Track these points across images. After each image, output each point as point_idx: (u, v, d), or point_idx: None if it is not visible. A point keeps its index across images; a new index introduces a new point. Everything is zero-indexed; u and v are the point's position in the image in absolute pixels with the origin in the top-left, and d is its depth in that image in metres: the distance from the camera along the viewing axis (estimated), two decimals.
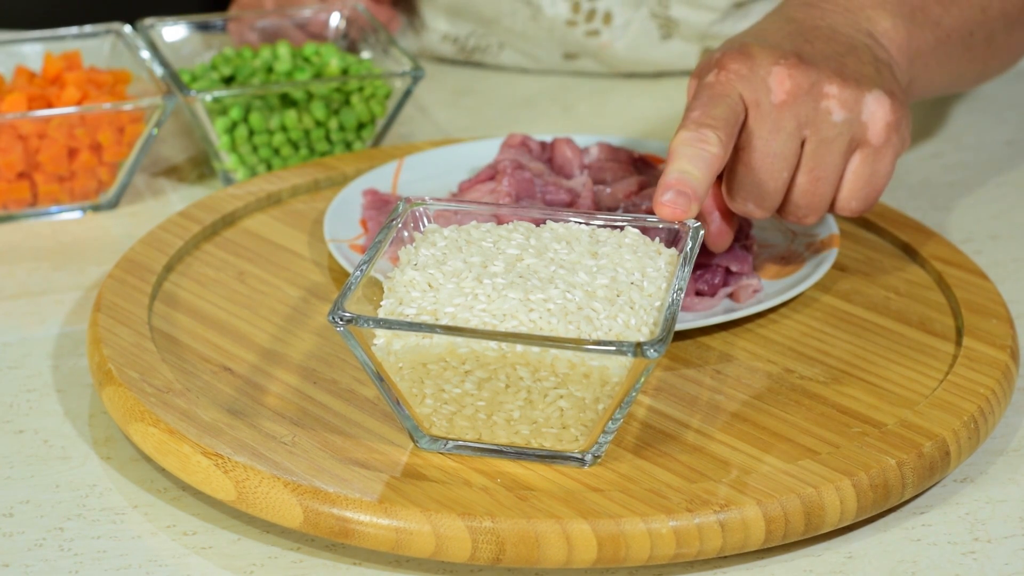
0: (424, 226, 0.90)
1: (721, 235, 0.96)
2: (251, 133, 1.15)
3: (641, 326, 0.82)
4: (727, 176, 0.95)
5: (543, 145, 1.11)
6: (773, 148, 0.93)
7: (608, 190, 1.05)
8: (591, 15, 1.32)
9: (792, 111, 0.93)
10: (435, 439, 0.85)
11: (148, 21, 1.22)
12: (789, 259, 1.03)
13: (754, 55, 0.93)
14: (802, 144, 0.94)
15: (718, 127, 0.91)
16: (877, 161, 0.95)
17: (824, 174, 0.94)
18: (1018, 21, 1.09)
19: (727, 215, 0.96)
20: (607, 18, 1.32)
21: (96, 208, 1.15)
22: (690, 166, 0.90)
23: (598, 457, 0.84)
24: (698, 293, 0.98)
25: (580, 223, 0.90)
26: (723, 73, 0.93)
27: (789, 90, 0.93)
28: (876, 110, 0.94)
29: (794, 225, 1.06)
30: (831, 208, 0.96)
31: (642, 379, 0.81)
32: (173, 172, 1.21)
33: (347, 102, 1.17)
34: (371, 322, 0.81)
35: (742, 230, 1.03)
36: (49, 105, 1.13)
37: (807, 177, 0.94)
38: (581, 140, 1.12)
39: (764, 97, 0.93)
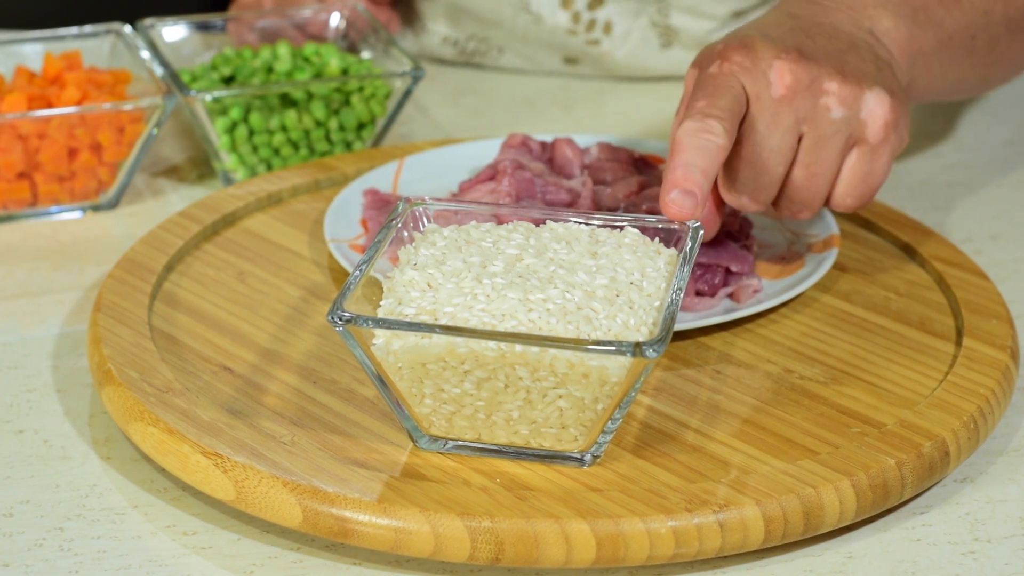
0: (424, 226, 0.90)
1: (709, 225, 0.96)
2: (251, 133, 1.15)
3: (640, 326, 0.82)
4: (724, 168, 0.95)
5: (543, 145, 1.11)
6: (771, 142, 0.93)
7: (608, 190, 1.05)
8: (591, 25, 1.32)
9: (791, 106, 0.93)
10: (434, 439, 0.85)
11: (148, 21, 1.22)
12: (789, 259, 1.03)
13: (756, 48, 0.93)
14: (799, 139, 0.94)
15: (723, 117, 0.91)
16: (874, 159, 0.95)
17: (820, 170, 0.94)
18: (1021, 28, 1.09)
19: (717, 205, 0.96)
20: (607, 28, 1.32)
21: (96, 208, 1.15)
22: (696, 157, 0.90)
23: (597, 457, 0.84)
24: (698, 293, 0.98)
25: (580, 223, 0.90)
26: (726, 64, 0.93)
27: (789, 85, 0.93)
28: (875, 108, 0.94)
29: (790, 223, 1.06)
30: (826, 203, 0.96)
31: (641, 379, 0.81)
32: (173, 172, 1.21)
33: (347, 102, 1.17)
34: (370, 322, 0.81)
35: (742, 230, 1.03)
36: (49, 105, 1.13)
37: (803, 172, 0.94)
38: (581, 140, 1.12)
39: (764, 91, 0.93)
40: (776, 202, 0.96)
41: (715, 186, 0.96)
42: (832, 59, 0.94)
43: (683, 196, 0.89)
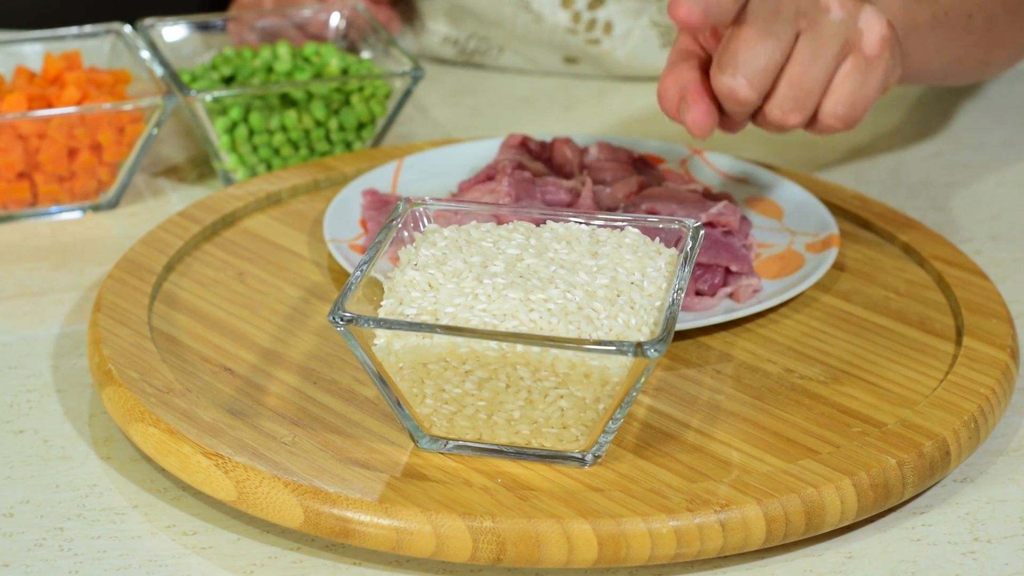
0: (424, 226, 0.90)
1: (705, 118, 0.94)
2: (251, 133, 1.15)
3: (641, 326, 0.82)
4: (721, 49, 0.93)
5: (543, 145, 1.11)
6: (770, 28, 0.92)
7: (608, 190, 1.05)
8: (591, 25, 1.32)
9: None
10: (435, 439, 0.85)
11: (148, 21, 1.22)
12: (789, 259, 1.03)
13: None
14: (796, 38, 0.93)
15: None
16: (868, 71, 0.94)
17: (814, 69, 0.93)
18: (1020, 10, 1.09)
19: (714, 100, 0.94)
20: (607, 27, 1.32)
21: (96, 208, 1.15)
22: None
23: (598, 457, 0.84)
24: (698, 293, 0.98)
25: (580, 223, 0.90)
26: None
27: None
28: (873, 21, 0.94)
29: (789, 222, 1.06)
30: (815, 118, 0.96)
31: (642, 379, 0.81)
32: (173, 172, 1.21)
33: (347, 102, 1.17)
34: (371, 322, 0.81)
35: (742, 230, 1.03)
36: (49, 105, 1.13)
37: (797, 68, 0.93)
38: (581, 140, 1.12)
39: None
40: (766, 102, 0.95)
41: (710, 84, 0.95)
42: None
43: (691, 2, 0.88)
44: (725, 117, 0.95)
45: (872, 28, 0.94)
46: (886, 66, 0.95)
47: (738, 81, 0.93)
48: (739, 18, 0.92)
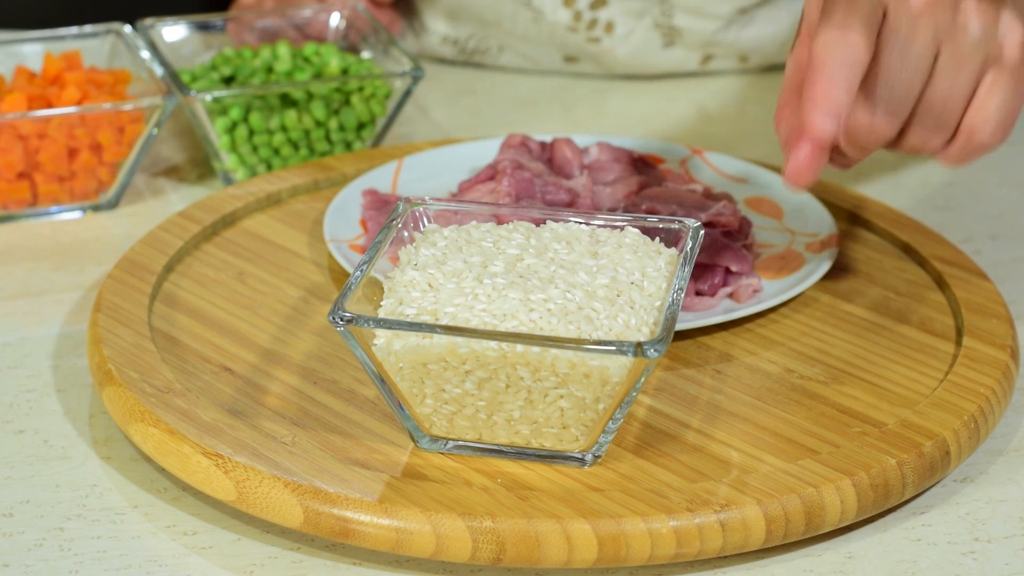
0: (424, 226, 0.90)
1: (811, 165, 0.88)
2: (251, 133, 1.15)
3: (641, 326, 0.82)
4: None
5: (543, 145, 1.11)
6: (910, 53, 0.88)
7: (608, 190, 1.05)
8: (592, 24, 1.32)
9: (930, 19, 0.88)
10: (435, 439, 0.85)
11: (148, 21, 1.22)
12: (789, 259, 1.03)
13: None
14: (935, 58, 0.89)
15: (862, 31, 0.87)
16: (1014, 81, 0.90)
17: (955, 90, 0.89)
18: None
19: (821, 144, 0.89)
20: (608, 27, 1.32)
21: (96, 208, 1.15)
22: (838, 72, 0.85)
23: (598, 457, 0.84)
24: (698, 293, 0.98)
25: (580, 223, 0.90)
26: None
27: None
28: (1014, 28, 0.90)
29: (790, 222, 1.06)
30: (954, 138, 0.91)
31: (642, 379, 0.81)
32: (173, 172, 1.21)
33: (347, 102, 1.17)
34: (371, 322, 0.81)
35: (742, 230, 1.03)
36: (49, 105, 1.13)
37: (939, 92, 0.89)
38: (581, 140, 1.12)
39: (903, 2, 0.88)
40: (906, 129, 0.91)
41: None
42: None
43: (825, 119, 0.86)
44: (840, 155, 0.91)
45: (1013, 36, 0.90)
46: None
47: (876, 117, 0.89)
48: (876, 47, 0.88)
